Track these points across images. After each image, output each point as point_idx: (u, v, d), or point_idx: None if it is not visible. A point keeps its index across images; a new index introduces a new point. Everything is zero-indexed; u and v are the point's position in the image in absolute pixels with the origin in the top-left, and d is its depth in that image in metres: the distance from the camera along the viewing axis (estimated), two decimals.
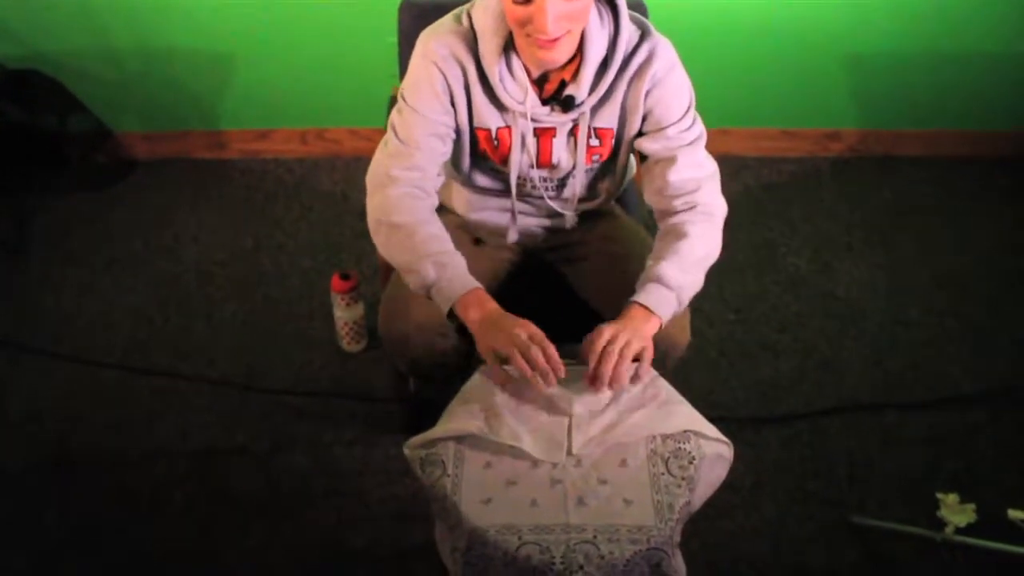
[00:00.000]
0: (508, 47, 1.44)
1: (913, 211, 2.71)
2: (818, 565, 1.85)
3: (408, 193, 1.48)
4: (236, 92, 2.74)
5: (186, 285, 2.45)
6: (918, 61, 2.70)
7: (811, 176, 2.82)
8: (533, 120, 1.50)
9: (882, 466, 2.03)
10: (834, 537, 1.89)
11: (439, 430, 1.36)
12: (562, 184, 1.61)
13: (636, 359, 1.38)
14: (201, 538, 1.88)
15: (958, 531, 1.88)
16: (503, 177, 1.60)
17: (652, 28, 1.49)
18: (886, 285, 2.47)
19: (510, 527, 1.24)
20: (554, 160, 1.55)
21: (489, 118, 1.50)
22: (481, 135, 1.53)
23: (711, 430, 1.38)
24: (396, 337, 1.56)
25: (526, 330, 1.37)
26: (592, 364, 1.36)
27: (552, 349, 1.36)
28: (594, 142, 1.54)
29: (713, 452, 1.36)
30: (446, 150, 1.53)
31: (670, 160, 1.50)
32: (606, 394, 1.38)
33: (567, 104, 1.48)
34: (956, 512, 1.91)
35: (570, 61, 1.44)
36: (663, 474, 1.31)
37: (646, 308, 1.41)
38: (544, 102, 1.49)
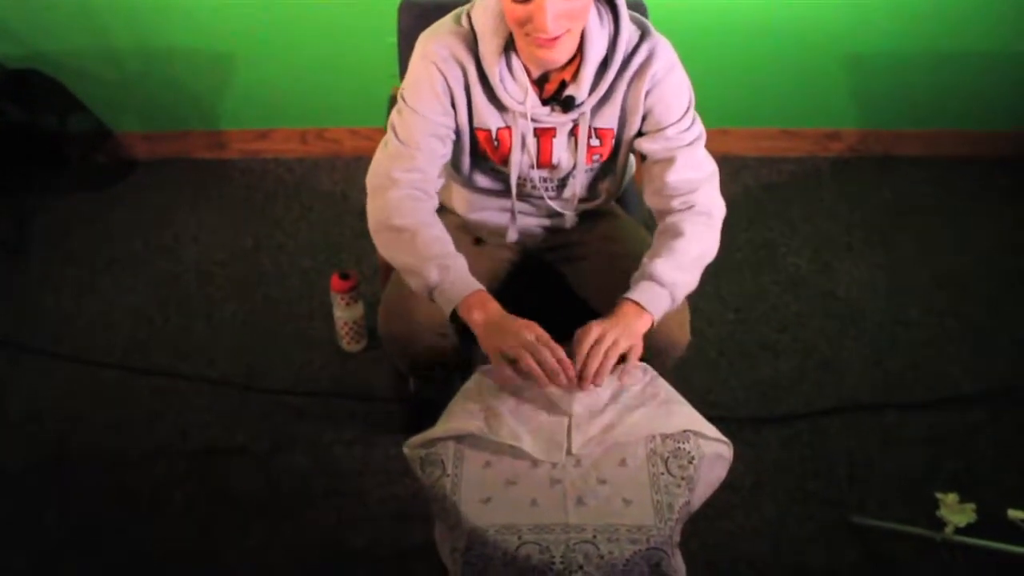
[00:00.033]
0: (508, 48, 1.44)
1: (913, 211, 2.71)
2: (818, 565, 1.85)
3: (409, 195, 1.48)
4: (236, 92, 2.74)
5: (186, 285, 2.45)
6: (918, 61, 2.70)
7: (811, 176, 2.82)
8: (533, 120, 1.50)
9: (882, 466, 2.03)
10: (834, 537, 1.89)
11: (439, 430, 1.36)
12: (562, 184, 1.61)
13: (623, 359, 1.38)
14: (201, 538, 1.88)
15: (958, 531, 1.88)
16: (503, 177, 1.60)
17: (652, 28, 1.49)
18: (886, 285, 2.47)
19: (510, 527, 1.24)
20: (554, 160, 1.55)
21: (489, 119, 1.50)
22: (481, 136, 1.53)
23: (711, 430, 1.38)
24: (396, 337, 1.56)
25: (533, 331, 1.37)
26: (579, 363, 1.36)
27: (560, 351, 1.36)
28: (594, 142, 1.54)
29: (713, 452, 1.36)
30: (446, 151, 1.53)
31: (669, 161, 1.50)
32: (605, 393, 1.38)
33: (567, 104, 1.48)
34: (956, 512, 1.91)
35: (570, 61, 1.44)
36: (662, 474, 1.31)
37: (638, 305, 1.41)
38: (544, 102, 1.49)
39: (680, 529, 1.30)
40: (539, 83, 1.48)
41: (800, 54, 2.68)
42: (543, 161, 1.56)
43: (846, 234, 2.62)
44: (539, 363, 1.34)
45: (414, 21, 1.69)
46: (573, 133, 1.52)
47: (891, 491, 1.98)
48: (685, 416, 1.38)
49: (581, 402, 1.36)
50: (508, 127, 1.51)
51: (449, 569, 1.33)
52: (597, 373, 1.35)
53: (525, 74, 1.46)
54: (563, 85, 1.47)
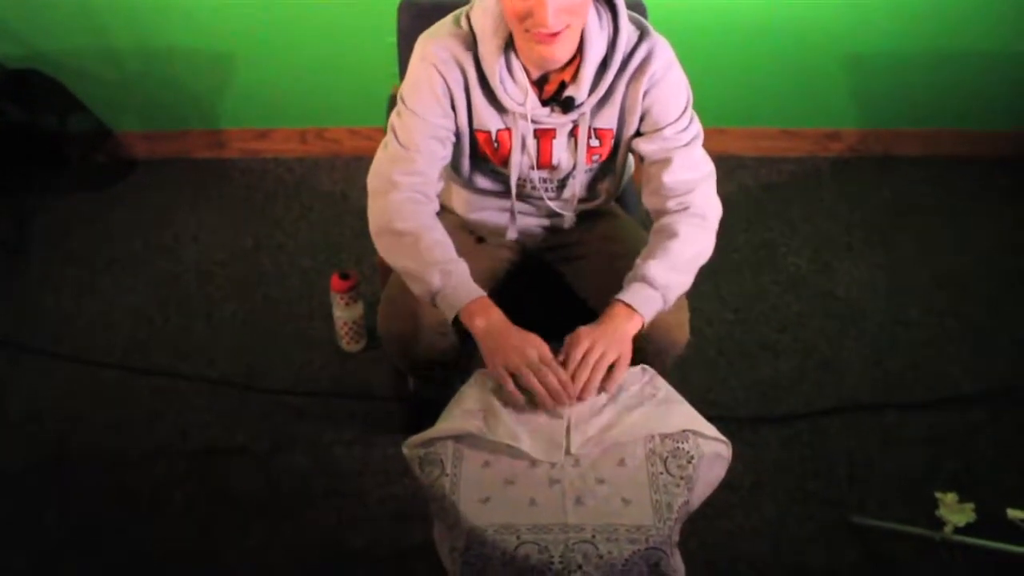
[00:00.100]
0: (508, 49, 1.44)
1: (913, 211, 2.71)
2: (818, 565, 1.85)
3: (410, 198, 1.48)
4: (236, 92, 2.74)
5: (186, 285, 2.45)
6: (918, 61, 2.69)
7: (811, 176, 2.82)
8: (533, 121, 1.50)
9: (882, 466, 2.03)
10: (834, 537, 1.89)
11: (438, 429, 1.36)
12: (562, 185, 1.62)
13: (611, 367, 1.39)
14: (201, 538, 1.88)
15: (957, 531, 1.88)
16: (503, 178, 1.60)
17: (651, 28, 1.49)
18: (886, 285, 2.47)
19: (508, 526, 1.24)
20: (554, 161, 1.55)
21: (489, 120, 1.50)
22: (481, 137, 1.53)
23: (710, 429, 1.38)
24: (395, 337, 1.57)
25: (536, 348, 1.38)
26: (569, 373, 1.37)
27: (563, 372, 1.36)
28: (594, 142, 1.54)
29: (712, 451, 1.36)
30: (446, 154, 1.53)
31: (665, 162, 1.50)
32: (604, 394, 1.38)
33: (567, 105, 1.48)
34: (955, 512, 1.91)
35: (570, 62, 1.44)
36: (661, 473, 1.31)
37: (629, 307, 1.42)
38: (544, 103, 1.49)
39: (679, 529, 1.30)
40: (539, 84, 1.48)
41: (800, 54, 2.68)
42: (543, 162, 1.56)
43: (846, 234, 2.62)
44: (542, 383, 1.35)
45: (414, 21, 1.69)
46: (573, 134, 1.53)
47: (891, 491, 1.98)
48: (684, 416, 1.38)
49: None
50: (508, 129, 1.51)
51: (448, 569, 1.33)
52: (584, 388, 1.36)
53: (525, 75, 1.46)
54: (562, 86, 1.47)
